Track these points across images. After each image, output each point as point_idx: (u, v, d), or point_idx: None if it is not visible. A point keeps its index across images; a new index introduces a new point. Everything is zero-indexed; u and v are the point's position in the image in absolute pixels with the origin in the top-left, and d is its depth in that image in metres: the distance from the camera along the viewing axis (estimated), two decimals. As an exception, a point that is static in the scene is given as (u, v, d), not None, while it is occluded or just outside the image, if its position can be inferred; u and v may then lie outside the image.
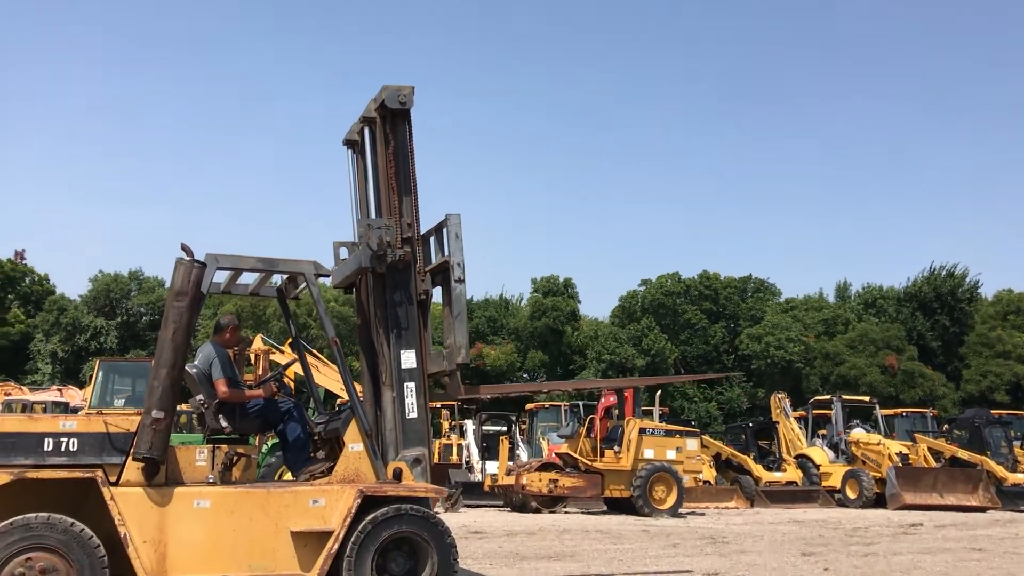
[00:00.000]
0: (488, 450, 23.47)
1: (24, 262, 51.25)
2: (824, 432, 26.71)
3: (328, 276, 7.50)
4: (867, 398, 28.13)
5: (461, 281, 7.21)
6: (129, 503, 6.09)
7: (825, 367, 47.22)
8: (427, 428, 7.21)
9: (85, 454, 6.14)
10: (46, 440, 6.08)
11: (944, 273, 52.05)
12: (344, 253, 7.71)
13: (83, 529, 5.84)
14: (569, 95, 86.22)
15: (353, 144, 8.08)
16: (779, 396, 26.58)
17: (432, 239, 7.55)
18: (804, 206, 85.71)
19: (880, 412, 26.01)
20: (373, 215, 7.80)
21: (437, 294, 7.64)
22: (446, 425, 29.72)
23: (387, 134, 7.39)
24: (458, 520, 15.44)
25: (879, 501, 21.69)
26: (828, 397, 26.88)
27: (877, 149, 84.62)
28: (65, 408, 21.50)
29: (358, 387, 7.65)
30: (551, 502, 18.74)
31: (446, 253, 7.31)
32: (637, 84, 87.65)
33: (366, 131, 7.83)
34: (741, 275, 55.44)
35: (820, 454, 24.13)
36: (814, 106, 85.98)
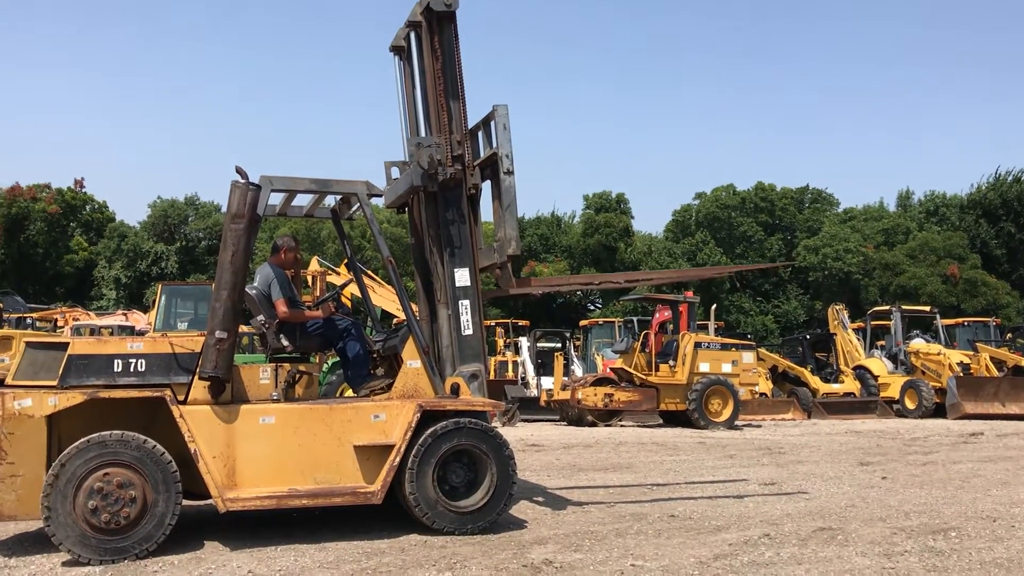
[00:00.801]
0: (543, 366, 23.66)
1: (84, 190, 52.25)
2: (883, 343, 26.40)
3: (381, 196, 7.52)
4: (927, 308, 27.66)
5: (510, 173, 7.18)
6: (197, 420, 6.28)
7: (884, 278, 46.44)
8: (482, 344, 7.29)
9: (153, 374, 6.32)
10: (116, 361, 6.28)
11: (1011, 178, 50.48)
12: (396, 173, 7.72)
13: (155, 446, 6.05)
14: (617, 7, 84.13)
15: (400, 50, 8.02)
16: (837, 308, 26.25)
17: (480, 133, 7.51)
18: (863, 113, 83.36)
19: (941, 322, 25.60)
20: (421, 121, 7.78)
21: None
22: (501, 343, 30.02)
23: (433, 38, 7.32)
24: (515, 434, 15.70)
25: (939, 411, 21.49)
26: (887, 308, 26.48)
27: (938, 51, 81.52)
28: (131, 332, 22.12)
29: (414, 306, 7.74)
30: (607, 416, 18.92)
31: (494, 145, 7.27)
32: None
33: (412, 36, 7.76)
34: (798, 186, 54.46)
35: (879, 365, 23.90)
36: (871, 9, 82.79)
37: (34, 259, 47.81)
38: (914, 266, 45.91)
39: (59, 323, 26.27)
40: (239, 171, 6.61)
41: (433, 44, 7.32)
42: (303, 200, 7.69)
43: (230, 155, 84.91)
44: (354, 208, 7.72)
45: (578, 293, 52.16)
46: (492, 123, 7.27)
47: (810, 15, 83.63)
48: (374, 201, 7.33)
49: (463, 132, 7.36)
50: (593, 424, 18.58)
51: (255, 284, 7.22)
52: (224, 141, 79.28)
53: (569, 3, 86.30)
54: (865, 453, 12.65)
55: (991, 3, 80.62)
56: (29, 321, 25.95)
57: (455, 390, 6.96)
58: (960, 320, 29.16)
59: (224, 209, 6.68)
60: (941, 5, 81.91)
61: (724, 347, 19.24)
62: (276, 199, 7.41)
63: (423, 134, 7.80)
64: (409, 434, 6.57)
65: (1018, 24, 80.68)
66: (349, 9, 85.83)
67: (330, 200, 7.78)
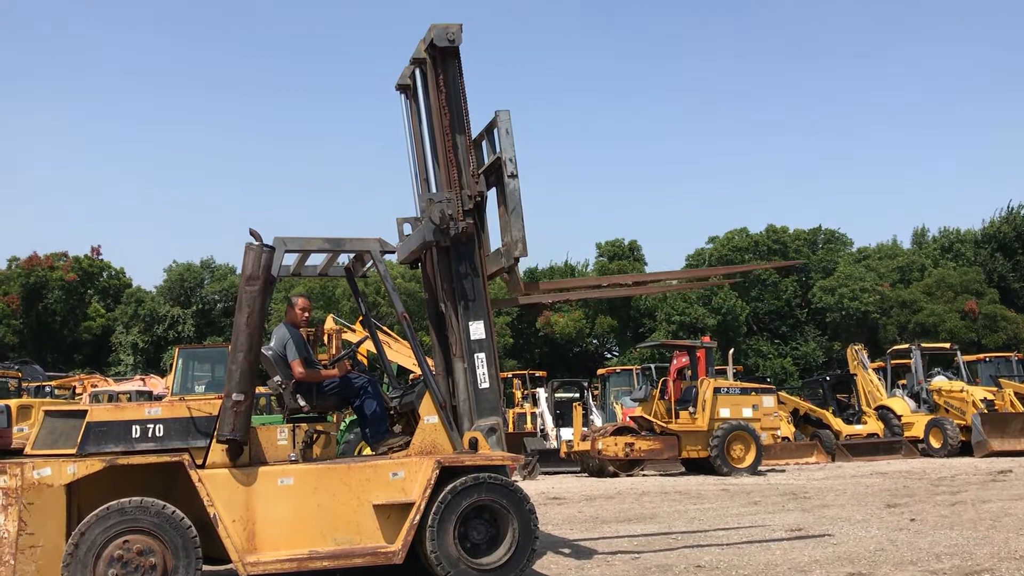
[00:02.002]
0: (562, 417, 23.51)
1: (101, 257, 52.83)
2: (904, 382, 26.13)
3: (394, 253, 7.56)
4: (947, 345, 27.38)
5: (514, 176, 7.23)
6: (216, 484, 6.26)
7: (902, 316, 46.07)
8: (499, 397, 7.26)
9: (171, 439, 6.33)
10: (134, 427, 6.28)
11: (1023, 211, 50.32)
12: (408, 229, 7.77)
13: (174, 511, 6.02)
14: (624, 55, 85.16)
15: (406, 88, 8.14)
16: (856, 348, 26.05)
17: (484, 142, 7.57)
18: (873, 151, 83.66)
19: (962, 358, 25.32)
20: (429, 159, 7.84)
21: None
22: (519, 394, 29.88)
23: (438, 73, 7.42)
24: (536, 487, 15.55)
25: (965, 449, 21.19)
26: (907, 346, 26.24)
27: (946, 89, 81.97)
28: (149, 396, 22.18)
29: (429, 360, 7.72)
30: (628, 466, 18.73)
31: (497, 150, 7.33)
32: (694, 40, 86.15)
33: (417, 73, 7.87)
34: (810, 227, 54.40)
35: (901, 404, 23.62)
36: (876, 49, 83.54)
37: (52, 327, 48.17)
38: (932, 303, 45.56)
39: (77, 390, 26.39)
40: (253, 233, 6.67)
41: (438, 80, 7.43)
42: (317, 259, 7.74)
43: (245, 217, 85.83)
44: (368, 265, 7.77)
45: (594, 342, 51.95)
46: (495, 130, 7.34)
47: (814, 56, 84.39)
48: (387, 257, 7.37)
49: (471, 174, 7.38)
50: (615, 474, 18.39)
51: (271, 345, 7.23)
52: (239, 203, 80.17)
53: (573, 52, 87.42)
54: (892, 495, 12.46)
55: (994, 39, 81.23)
56: (48, 389, 26.07)
57: (474, 445, 6.92)
58: (981, 356, 28.84)
59: (239, 271, 6.73)
60: (944, 43, 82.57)
61: (744, 391, 19.09)
62: (290, 259, 7.46)
63: (431, 174, 7.88)
64: (428, 491, 6.51)
65: (1018, 54, 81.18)
66: (359, 73, 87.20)
67: (344, 258, 7.83)
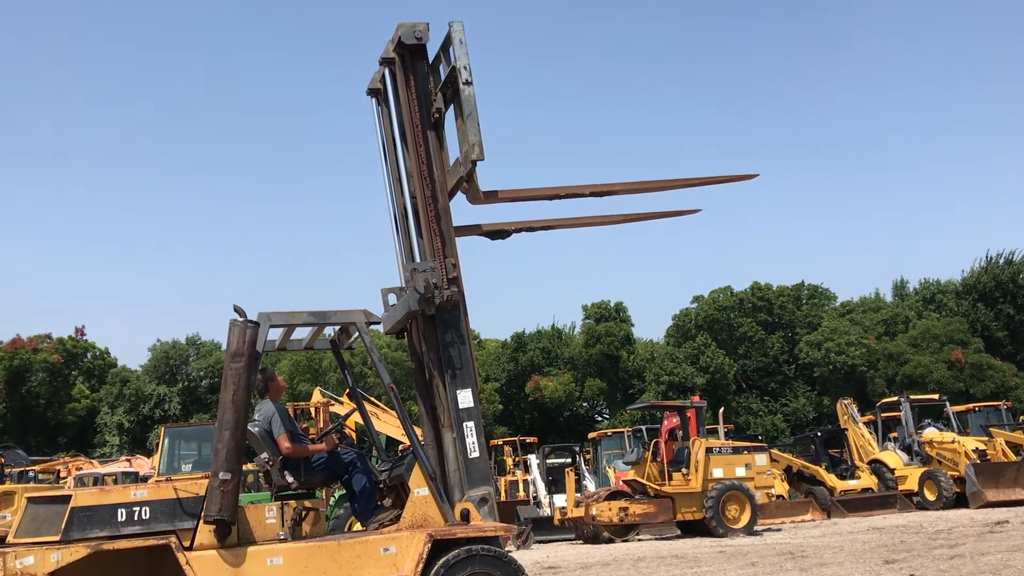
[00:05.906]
0: (554, 483, 23.27)
1: (85, 338, 52.51)
2: (895, 435, 26.08)
3: (379, 323, 7.55)
4: (936, 396, 27.42)
5: (469, 83, 7.23)
6: (204, 566, 6.14)
7: (889, 368, 46.22)
8: (489, 466, 7.18)
9: (158, 521, 6.22)
10: (119, 511, 6.18)
11: (1002, 261, 50.90)
12: (393, 299, 7.77)
13: (161, 596, 5.90)
14: (594, 110, 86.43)
15: (376, 92, 8.22)
16: (845, 402, 26.04)
17: (441, 66, 7.60)
18: (850, 207, 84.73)
19: (951, 409, 25.35)
20: (401, 160, 7.87)
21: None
22: (510, 461, 29.61)
23: (407, 72, 7.55)
24: (531, 557, 15.31)
25: (960, 501, 21.07)
26: (896, 398, 26.26)
27: (919, 140, 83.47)
28: (135, 478, 21.87)
29: (418, 430, 7.66)
30: (623, 531, 18.50)
31: (452, 60, 7.33)
32: (669, 93, 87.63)
33: (387, 74, 7.97)
34: (793, 283, 54.79)
35: (893, 458, 23.54)
36: (852, 101, 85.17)
37: (36, 410, 47.63)
38: (918, 354, 45.75)
39: (62, 474, 26.02)
40: (237, 310, 6.66)
41: (408, 77, 7.54)
42: (302, 333, 7.72)
43: (230, 293, 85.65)
44: (353, 337, 7.76)
45: (584, 405, 51.71)
46: (451, 45, 7.34)
47: (787, 106, 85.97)
48: (373, 328, 7.35)
49: (432, 89, 7.40)
50: (610, 540, 18.15)
51: (256, 421, 7.17)
52: (224, 279, 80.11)
53: (551, 110, 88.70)
54: (890, 551, 12.33)
55: (967, 90, 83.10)
56: (31, 474, 25.67)
57: (465, 516, 6.83)
58: (970, 406, 28.85)
59: (225, 347, 6.71)
60: (903, 94, 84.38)
61: (736, 451, 18.97)
62: (275, 334, 7.43)
63: (403, 171, 7.90)
64: (421, 566, 6.41)
65: (992, 103, 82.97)
66: (343, 144, 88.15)
67: (329, 331, 7.81)
